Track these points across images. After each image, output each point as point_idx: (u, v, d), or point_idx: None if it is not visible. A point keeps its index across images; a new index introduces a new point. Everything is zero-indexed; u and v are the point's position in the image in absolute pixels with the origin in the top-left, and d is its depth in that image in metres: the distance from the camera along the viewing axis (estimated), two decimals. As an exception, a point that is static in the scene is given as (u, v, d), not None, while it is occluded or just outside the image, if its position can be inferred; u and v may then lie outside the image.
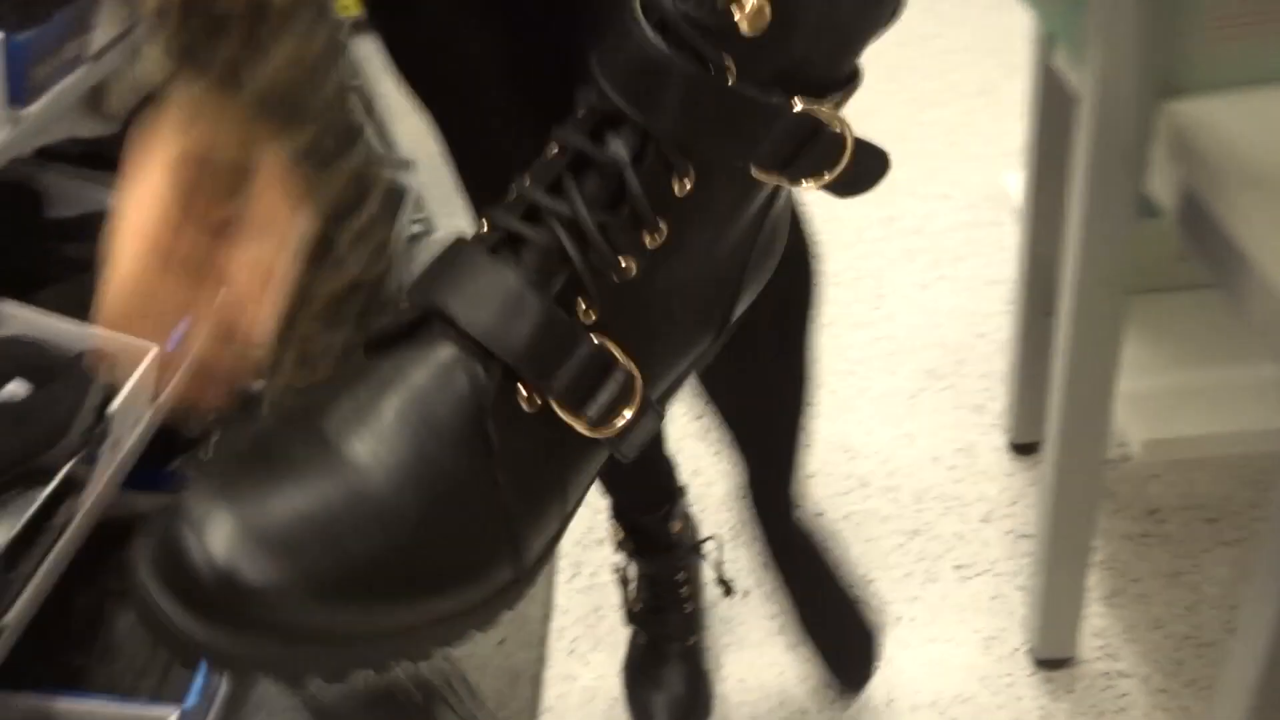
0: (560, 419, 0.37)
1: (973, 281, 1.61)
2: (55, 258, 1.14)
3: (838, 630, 1.03)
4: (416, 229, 2.00)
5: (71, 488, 0.92)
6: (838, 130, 0.38)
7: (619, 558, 1.09)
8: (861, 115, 1.70)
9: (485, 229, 0.38)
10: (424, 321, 0.38)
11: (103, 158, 1.29)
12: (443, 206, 2.04)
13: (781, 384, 0.90)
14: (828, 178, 0.39)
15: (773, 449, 0.94)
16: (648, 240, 0.37)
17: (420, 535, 0.35)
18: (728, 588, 1.10)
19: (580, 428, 0.37)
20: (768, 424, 0.93)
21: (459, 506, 0.36)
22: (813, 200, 1.91)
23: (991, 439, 1.33)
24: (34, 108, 0.99)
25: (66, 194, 1.22)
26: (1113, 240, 0.80)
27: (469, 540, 0.36)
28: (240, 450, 0.35)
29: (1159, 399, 0.99)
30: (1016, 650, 1.07)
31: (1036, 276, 1.17)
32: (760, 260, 0.44)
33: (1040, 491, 1.00)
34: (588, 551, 1.28)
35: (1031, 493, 1.24)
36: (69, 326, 1.03)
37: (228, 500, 0.33)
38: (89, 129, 1.44)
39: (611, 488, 1.05)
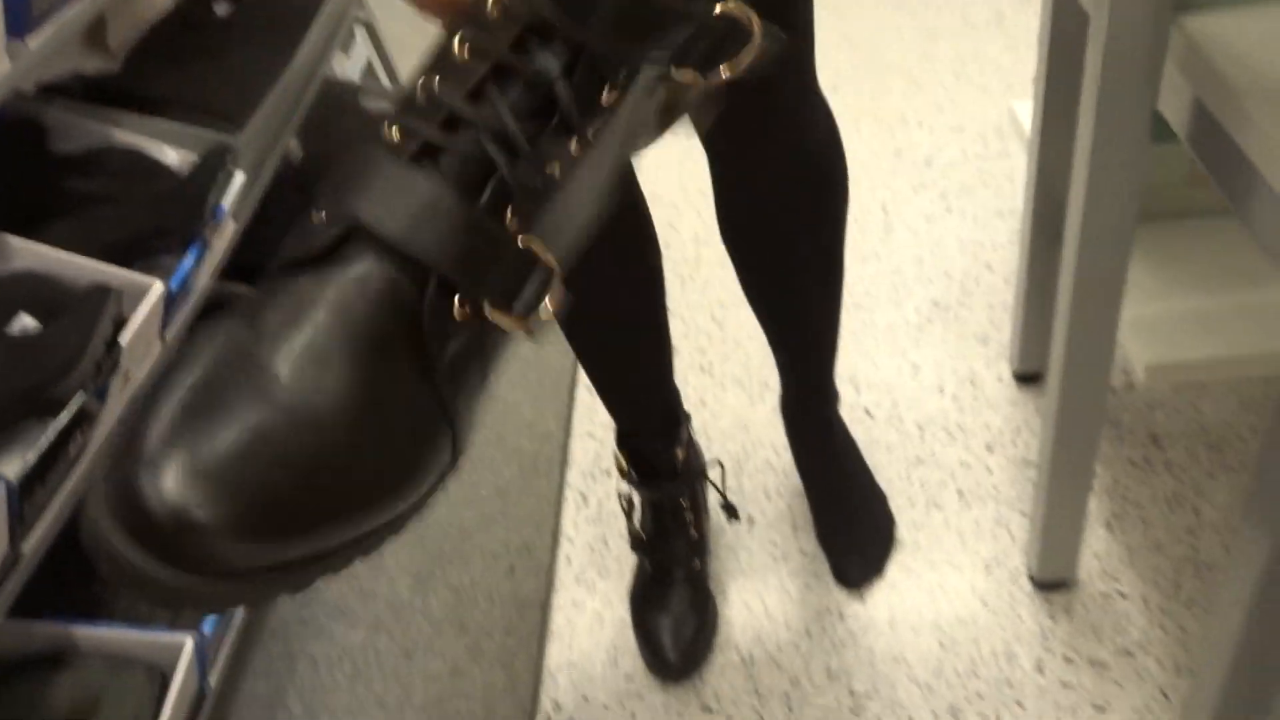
0: (487, 320, 0.38)
1: (981, 213, 1.60)
2: (61, 192, 1.14)
3: (856, 524, 1.12)
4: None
5: (84, 420, 0.93)
6: (747, 24, 0.39)
7: (624, 486, 1.10)
8: (873, 48, 1.71)
9: (397, 136, 0.38)
10: (344, 236, 0.37)
11: (107, 92, 1.28)
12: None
13: (809, 277, 0.96)
14: (740, 69, 0.40)
15: (812, 340, 1.02)
16: (573, 147, 0.38)
17: (360, 448, 0.35)
18: (732, 511, 1.12)
19: (507, 325, 0.38)
20: (808, 316, 1.00)
21: (396, 415, 0.36)
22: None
23: (996, 369, 1.33)
24: (36, 40, 0.99)
25: (71, 129, 1.22)
26: (1124, 164, 0.80)
27: (408, 447, 0.37)
28: (186, 386, 0.35)
29: (1163, 324, 0.99)
30: (1018, 574, 1.09)
31: (1045, 205, 1.17)
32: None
33: (1043, 418, 1.00)
34: (594, 482, 1.29)
35: (1035, 422, 1.25)
36: (76, 260, 1.03)
37: (176, 439, 0.33)
38: (91, 65, 1.43)
39: (616, 415, 1.06)
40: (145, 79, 1.32)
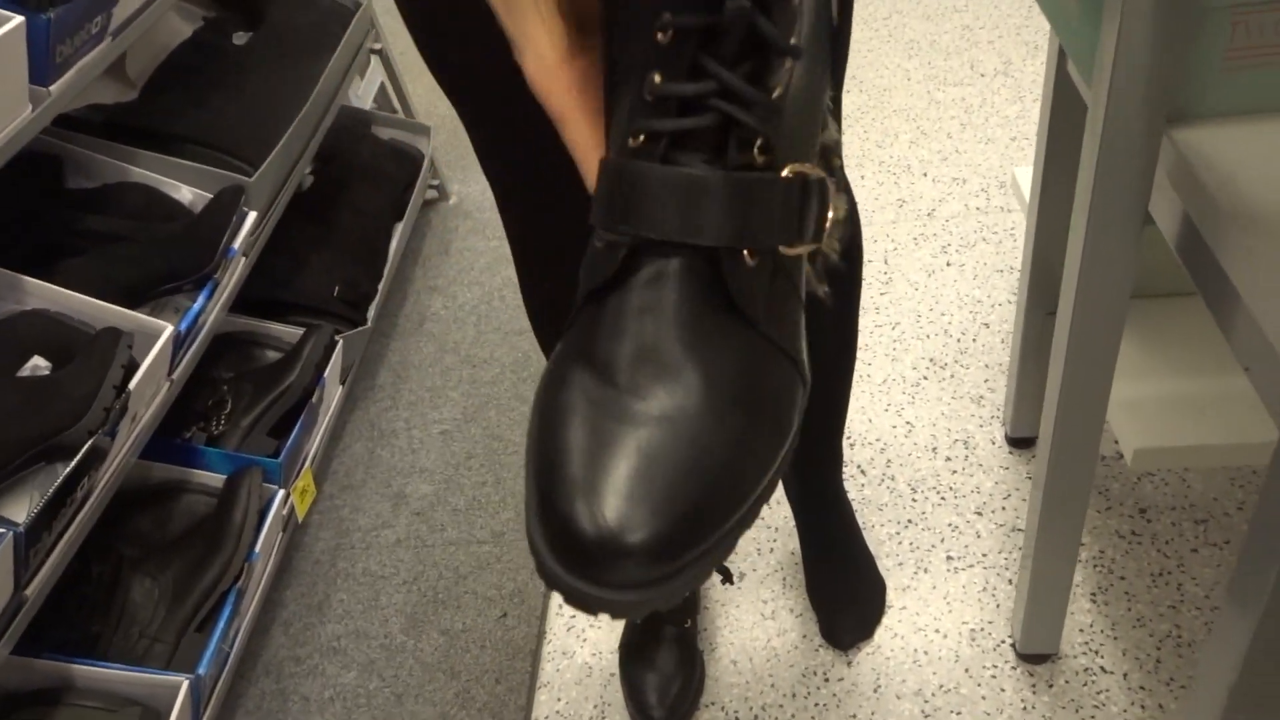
0: (784, 257, 0.39)
1: (981, 269, 1.62)
2: (77, 230, 1.16)
3: (849, 585, 1.14)
4: (431, 194, 2.01)
5: (91, 462, 0.95)
6: None
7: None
8: (880, 92, 1.74)
9: (643, 142, 0.38)
10: (633, 252, 0.39)
11: (124, 128, 1.30)
12: (455, 171, 2.05)
13: (827, 351, 0.98)
14: None
15: (822, 407, 1.03)
16: (786, 64, 0.38)
17: (736, 427, 0.37)
18: (726, 575, 1.13)
19: (803, 252, 0.40)
20: (821, 383, 1.01)
21: (748, 380, 0.38)
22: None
23: (990, 431, 1.35)
24: (57, 85, 1.01)
25: (89, 164, 1.24)
26: (1115, 254, 0.82)
27: (770, 403, 0.39)
28: (572, 443, 0.37)
29: (1153, 406, 1.01)
30: (1002, 643, 1.11)
31: (1041, 274, 1.19)
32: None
33: (1031, 489, 1.02)
34: (590, 528, 1.31)
35: (1026, 487, 1.27)
36: (89, 301, 1.05)
37: (592, 484, 0.35)
38: (109, 95, 1.45)
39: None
40: (163, 112, 1.34)
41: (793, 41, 0.38)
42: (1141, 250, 0.83)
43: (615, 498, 0.34)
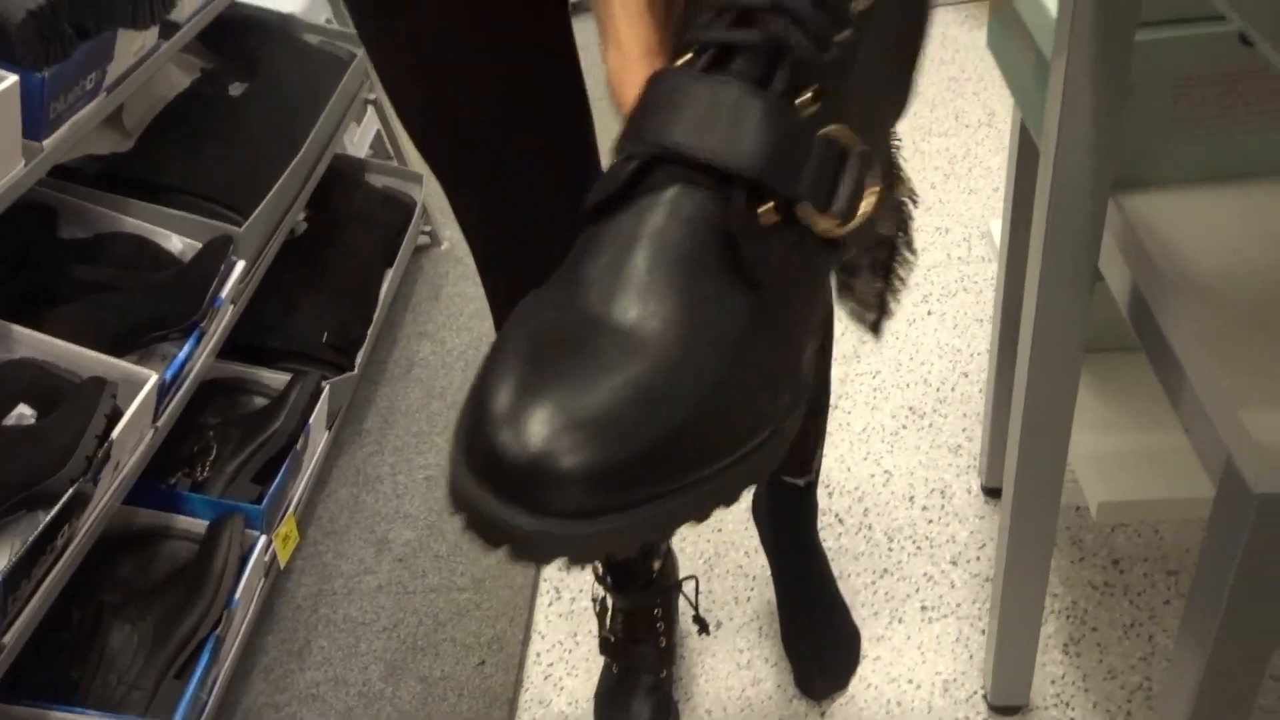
0: (804, 226, 0.35)
1: (961, 319, 1.64)
2: (68, 279, 1.18)
3: (824, 635, 1.15)
4: (423, 239, 2.04)
5: (73, 510, 0.97)
6: None
7: (598, 589, 1.13)
8: None
9: (688, 56, 0.36)
10: (645, 170, 0.35)
11: (119, 178, 1.33)
12: (447, 218, 2.09)
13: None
14: None
15: (794, 463, 1.04)
16: (856, 3, 0.35)
17: (725, 377, 0.33)
18: (703, 625, 1.14)
19: (827, 225, 0.35)
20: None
21: (744, 338, 0.34)
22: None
23: (966, 481, 1.36)
24: (50, 140, 1.04)
25: (82, 214, 1.27)
26: (1066, 311, 0.84)
27: (753, 373, 0.34)
28: (520, 349, 0.33)
29: (1118, 460, 1.02)
30: (974, 694, 1.11)
31: (1010, 326, 1.21)
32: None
33: (998, 542, 1.03)
34: (569, 575, 1.32)
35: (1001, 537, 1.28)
36: (76, 350, 1.08)
37: (531, 394, 0.31)
38: (106, 145, 1.49)
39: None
40: (157, 163, 1.38)
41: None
42: (1100, 306, 0.85)
43: (559, 411, 0.31)
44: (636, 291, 0.33)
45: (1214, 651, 0.66)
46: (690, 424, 0.32)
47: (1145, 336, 0.72)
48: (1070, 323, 0.84)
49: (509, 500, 0.31)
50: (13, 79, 0.94)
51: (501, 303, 0.87)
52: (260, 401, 1.43)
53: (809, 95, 0.35)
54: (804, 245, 0.36)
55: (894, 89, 0.40)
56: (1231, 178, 0.76)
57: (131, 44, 1.15)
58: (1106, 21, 0.67)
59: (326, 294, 1.59)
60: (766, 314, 0.35)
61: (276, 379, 1.43)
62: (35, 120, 1.00)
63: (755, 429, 0.34)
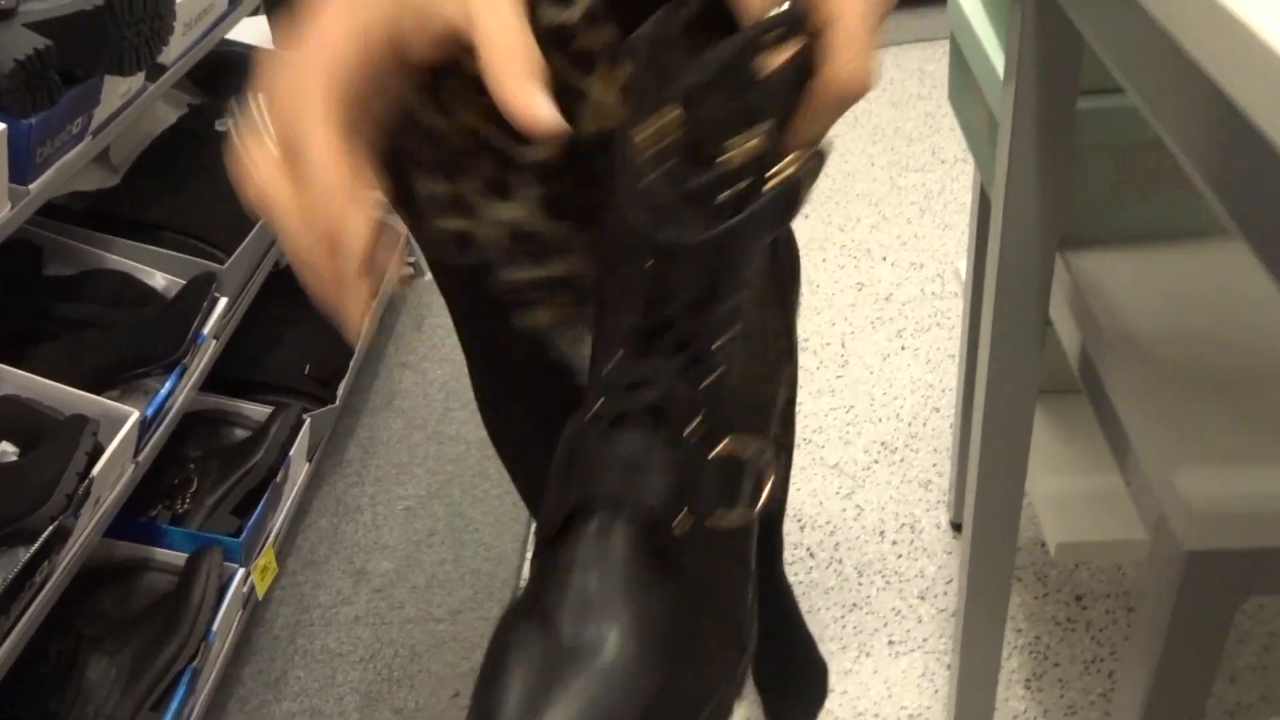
0: (715, 527, 0.42)
1: (934, 354, 1.68)
2: (51, 315, 1.20)
3: (794, 670, 1.16)
4: (407, 270, 2.07)
5: (53, 545, 0.98)
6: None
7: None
8: (843, 177, 1.81)
9: (596, 408, 0.43)
10: (579, 507, 0.43)
11: (104, 215, 1.36)
12: (433, 250, 2.11)
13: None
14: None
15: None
16: (724, 342, 0.41)
17: (672, 681, 0.40)
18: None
19: (734, 519, 0.42)
20: None
21: (689, 641, 0.41)
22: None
23: (935, 516, 1.39)
24: (37, 183, 1.06)
25: (67, 252, 1.29)
26: (1019, 357, 0.87)
27: (708, 667, 0.42)
28: (505, 667, 0.40)
29: (1076, 501, 1.05)
30: (938, 728, 1.14)
31: (975, 365, 1.24)
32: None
33: (960, 577, 1.06)
34: (545, 608, 1.34)
35: (968, 572, 1.30)
36: (58, 388, 1.10)
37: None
38: (93, 180, 1.51)
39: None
40: (143, 199, 1.40)
41: (722, 341, 0.41)
42: (1052, 350, 0.88)
43: None
44: (595, 624, 0.40)
45: (1151, 694, 0.69)
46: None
47: (1090, 391, 0.75)
48: (1023, 367, 0.87)
49: None
50: (0, 128, 0.97)
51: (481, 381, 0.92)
52: (242, 434, 1.45)
53: (696, 423, 0.41)
54: (720, 537, 0.43)
55: (768, 358, 0.46)
56: (1174, 236, 0.79)
57: (118, 87, 1.18)
58: (1049, 89, 0.70)
59: (309, 326, 1.61)
60: (698, 600, 0.42)
61: (258, 411, 1.45)
62: (22, 165, 1.03)
63: (704, 699, 0.41)
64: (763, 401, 0.46)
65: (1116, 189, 0.78)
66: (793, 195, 0.40)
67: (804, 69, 0.39)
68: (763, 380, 0.45)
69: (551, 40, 0.44)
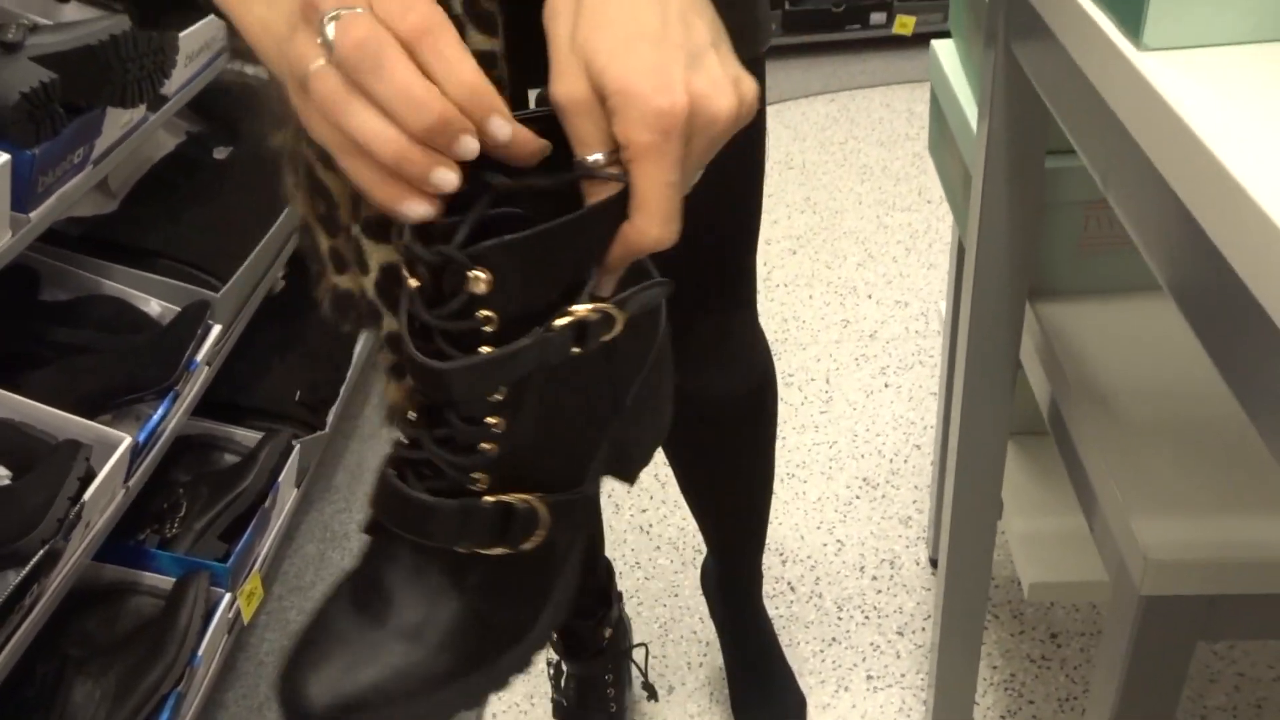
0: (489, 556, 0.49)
1: (916, 392, 1.70)
2: (46, 340, 1.22)
3: (772, 703, 1.18)
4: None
5: (43, 568, 1.00)
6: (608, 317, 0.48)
7: (553, 654, 1.17)
8: (832, 214, 1.85)
9: (390, 452, 0.51)
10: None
11: (101, 241, 1.38)
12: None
13: (751, 483, 1.06)
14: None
15: (742, 535, 1.11)
16: (492, 423, 0.47)
17: (411, 656, 0.49)
18: (652, 692, 1.18)
19: (502, 550, 0.49)
20: (737, 516, 1.10)
21: (465, 638, 0.49)
22: (777, 299, 2.04)
23: (915, 552, 1.41)
24: (37, 211, 1.08)
25: (64, 277, 1.31)
26: (990, 401, 0.89)
27: (485, 658, 0.51)
28: (323, 629, 0.50)
29: (1049, 542, 1.07)
30: (913, 764, 1.15)
31: (952, 402, 1.26)
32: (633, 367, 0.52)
33: (935, 613, 1.08)
34: (527, 637, 1.35)
35: (945, 608, 1.32)
36: (52, 412, 1.11)
37: (317, 671, 0.48)
38: (90, 205, 1.53)
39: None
40: (138, 226, 1.42)
41: (490, 424, 0.47)
42: (1027, 392, 0.90)
43: (315, 677, 0.48)
44: (381, 605, 0.49)
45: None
46: (390, 684, 0.48)
47: (1058, 437, 0.78)
48: (995, 410, 0.89)
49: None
50: (4, 158, 0.99)
51: None
52: (231, 459, 1.46)
53: (479, 476, 0.47)
54: (506, 560, 0.49)
55: (579, 445, 0.51)
56: (1137, 290, 0.82)
57: (120, 118, 1.20)
58: (1018, 149, 0.73)
59: (300, 353, 1.63)
60: (481, 612, 0.50)
61: (248, 437, 1.47)
62: (23, 193, 1.05)
63: (421, 688, 0.50)
64: (568, 465, 0.51)
65: (1083, 244, 0.81)
66: (553, 346, 0.45)
67: (611, 220, 0.44)
68: (571, 446, 0.50)
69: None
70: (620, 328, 0.46)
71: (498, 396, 0.46)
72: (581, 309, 0.44)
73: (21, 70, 1.03)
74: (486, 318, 0.43)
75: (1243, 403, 0.40)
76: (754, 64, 0.76)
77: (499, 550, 0.48)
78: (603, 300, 0.45)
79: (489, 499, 0.47)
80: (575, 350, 0.45)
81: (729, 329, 0.90)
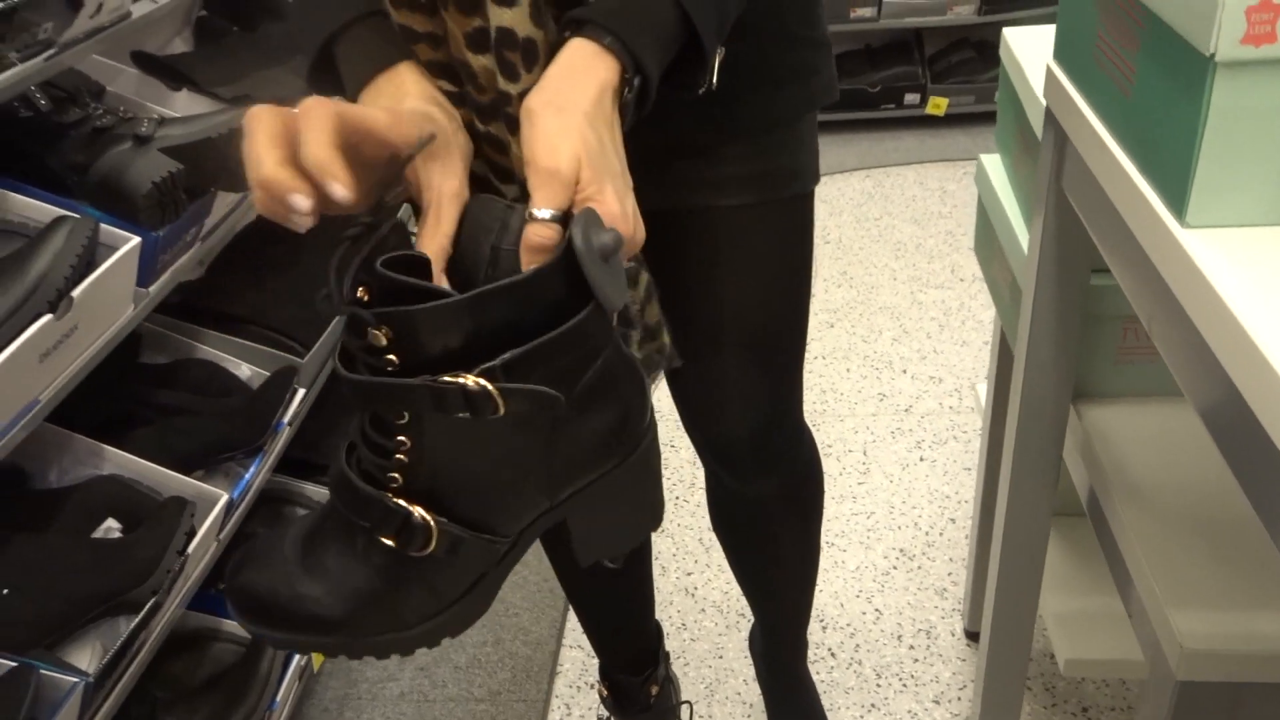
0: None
1: (950, 466, 1.78)
2: (147, 401, 1.32)
3: None
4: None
5: (151, 617, 1.08)
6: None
7: (603, 710, 1.24)
8: (868, 289, 1.96)
9: (345, 449, 0.60)
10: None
11: (193, 308, 1.48)
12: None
13: (796, 569, 1.13)
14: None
15: (789, 612, 1.17)
16: (401, 440, 0.56)
17: (351, 618, 0.59)
18: (698, 748, 1.24)
19: (390, 544, 0.57)
20: (783, 598, 1.17)
21: (356, 603, 0.58)
22: (815, 371, 2.12)
23: (950, 623, 1.48)
24: (155, 285, 1.19)
25: (162, 341, 1.41)
26: (1035, 494, 0.97)
27: (361, 628, 0.59)
28: (271, 552, 0.60)
29: (1083, 620, 1.14)
30: (950, 829, 1.21)
31: (992, 488, 1.34)
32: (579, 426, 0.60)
33: (975, 685, 1.15)
34: (579, 693, 1.42)
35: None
36: (157, 470, 1.20)
37: (248, 572, 0.60)
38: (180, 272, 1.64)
39: (597, 651, 1.21)
40: (227, 293, 1.53)
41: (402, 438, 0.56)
42: (1067, 475, 0.98)
43: (244, 576, 0.61)
44: (309, 552, 0.59)
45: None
46: (290, 603, 0.59)
47: (1097, 527, 0.86)
48: (1039, 500, 0.97)
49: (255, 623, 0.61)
50: (135, 240, 1.10)
51: None
52: (302, 512, 1.55)
53: (395, 476, 0.56)
54: (401, 559, 0.58)
55: (512, 486, 0.59)
56: (1173, 395, 0.90)
57: (227, 198, 1.31)
58: (1066, 270, 0.82)
59: (367, 413, 1.72)
60: (376, 590, 0.59)
61: (319, 493, 1.55)
62: (146, 271, 1.15)
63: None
64: (485, 513, 0.58)
65: (1121, 352, 0.89)
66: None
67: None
68: (486, 498, 0.59)
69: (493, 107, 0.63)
70: (502, 411, 0.53)
71: (401, 421, 0.55)
72: (467, 378, 0.52)
73: (152, 161, 1.14)
74: (389, 360, 0.53)
75: (1258, 510, 0.48)
76: (805, 199, 0.86)
77: (388, 542, 0.57)
78: (491, 379, 0.53)
79: (397, 500, 0.55)
80: (462, 415, 0.53)
81: (772, 434, 0.96)
